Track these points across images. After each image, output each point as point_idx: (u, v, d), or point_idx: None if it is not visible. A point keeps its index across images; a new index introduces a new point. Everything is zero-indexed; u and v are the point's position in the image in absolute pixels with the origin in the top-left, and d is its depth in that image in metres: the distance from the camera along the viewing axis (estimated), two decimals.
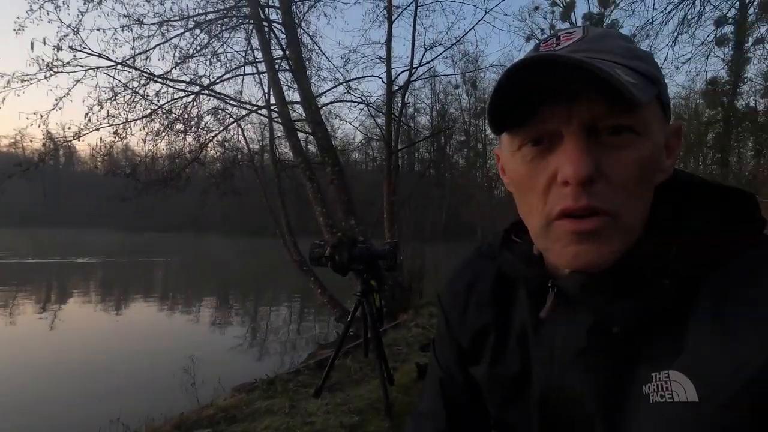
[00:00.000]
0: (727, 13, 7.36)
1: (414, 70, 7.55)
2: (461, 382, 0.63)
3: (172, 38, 6.87)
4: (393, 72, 7.33)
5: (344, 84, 8.04)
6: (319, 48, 10.40)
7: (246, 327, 8.54)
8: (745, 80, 15.09)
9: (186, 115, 6.93)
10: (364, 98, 8.17)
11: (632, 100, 0.37)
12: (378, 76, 8.01)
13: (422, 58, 7.83)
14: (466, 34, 11.07)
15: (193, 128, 7.03)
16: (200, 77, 7.04)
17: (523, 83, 0.40)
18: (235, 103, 7.08)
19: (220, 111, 7.27)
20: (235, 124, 7.52)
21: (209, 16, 7.02)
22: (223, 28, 7.21)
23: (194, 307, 10.05)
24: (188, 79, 6.91)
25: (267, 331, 8.27)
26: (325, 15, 9.66)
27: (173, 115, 6.84)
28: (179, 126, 6.95)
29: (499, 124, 0.45)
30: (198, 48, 7.04)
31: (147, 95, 6.57)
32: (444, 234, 29.58)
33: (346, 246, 2.53)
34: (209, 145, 7.38)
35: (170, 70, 6.77)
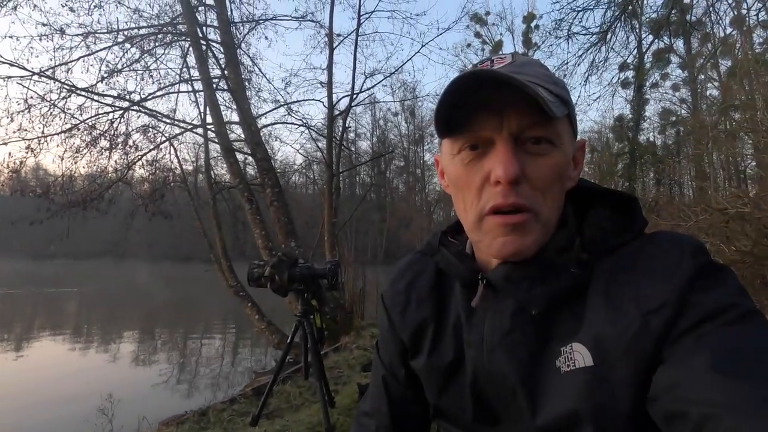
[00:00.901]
0: (628, 59, 8.46)
1: (355, 96, 7.71)
2: (403, 378, 0.67)
3: (98, 51, 6.48)
4: (334, 97, 7.42)
5: (285, 106, 8.02)
6: (260, 70, 10.35)
7: (174, 361, 7.86)
8: (645, 118, 17.36)
9: (112, 132, 6.49)
10: (305, 121, 8.20)
11: (550, 114, 0.45)
12: (319, 100, 8.08)
13: (363, 85, 8.04)
14: (404, 64, 11.54)
15: (120, 146, 6.58)
16: (130, 93, 6.67)
17: (464, 95, 0.48)
18: (168, 121, 6.77)
19: (151, 129, 6.90)
20: (167, 143, 7.15)
21: (142, 31, 6.74)
22: (157, 44, 6.93)
23: (113, 342, 9.10)
24: (116, 94, 6.50)
25: (198, 364, 7.68)
26: (266, 38, 9.70)
27: (97, 131, 6.37)
28: (104, 143, 6.48)
29: (443, 130, 0.51)
30: (128, 63, 6.69)
31: (68, 109, 6.08)
32: (384, 257, 29.81)
33: (286, 265, 2.48)
34: (137, 164, 6.94)
35: (95, 84, 6.35)
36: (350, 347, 4.81)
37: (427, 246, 0.65)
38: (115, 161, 6.76)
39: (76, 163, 6.49)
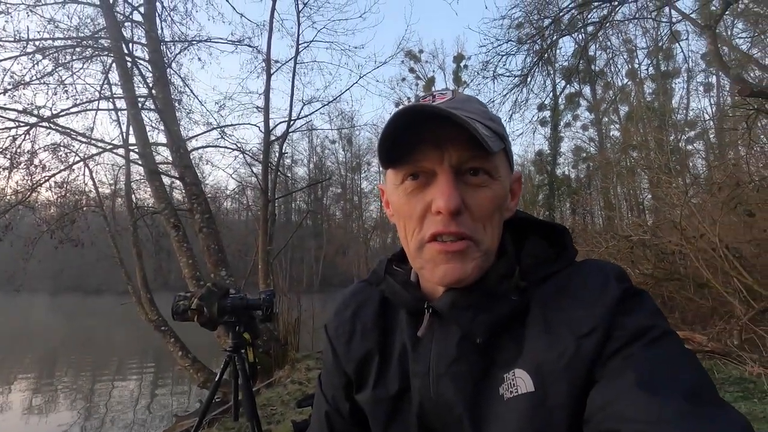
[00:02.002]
0: (545, 101, 9.37)
1: (292, 122, 7.63)
2: (347, 413, 0.64)
3: (1, 60, 5.85)
4: (271, 122, 7.26)
5: (218, 129, 7.74)
6: (191, 91, 9.96)
7: (76, 410, 6.88)
8: (561, 154, 19.28)
9: (14, 149, 5.80)
10: (239, 145, 7.94)
11: (487, 149, 0.47)
12: (255, 125, 7.89)
13: (300, 112, 7.95)
14: (342, 94, 11.87)
15: (23, 165, 5.89)
16: (39, 107, 6.04)
17: (407, 128, 0.49)
18: (83, 140, 6.20)
19: (62, 148, 6.26)
20: (81, 163, 6.53)
21: (57, 43, 6.21)
22: (75, 58, 6.41)
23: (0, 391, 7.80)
24: (21, 108, 5.86)
25: (108, 411, 6.80)
26: (200, 59, 9.35)
27: None
28: (2, 161, 5.76)
29: (387, 161, 0.52)
30: (39, 75, 6.10)
31: None
32: (321, 285, 29.18)
33: (216, 296, 2.32)
34: (44, 186, 6.23)
35: None
36: (284, 382, 4.57)
37: (373, 275, 0.64)
38: (16, 182, 6.03)
39: None
